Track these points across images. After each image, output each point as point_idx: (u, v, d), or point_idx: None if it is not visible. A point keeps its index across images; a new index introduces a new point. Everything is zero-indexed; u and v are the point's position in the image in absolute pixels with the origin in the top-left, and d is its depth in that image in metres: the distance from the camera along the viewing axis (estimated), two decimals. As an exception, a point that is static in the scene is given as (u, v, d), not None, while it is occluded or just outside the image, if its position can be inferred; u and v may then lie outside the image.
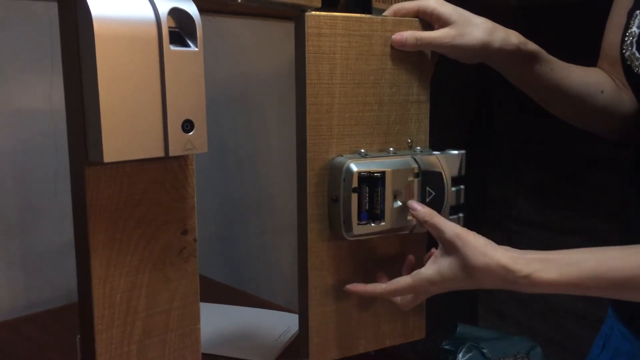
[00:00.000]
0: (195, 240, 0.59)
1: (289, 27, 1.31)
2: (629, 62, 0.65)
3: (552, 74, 0.72)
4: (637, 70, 0.64)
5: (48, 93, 1.00)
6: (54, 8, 0.98)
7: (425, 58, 0.73)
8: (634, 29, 0.65)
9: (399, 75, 0.71)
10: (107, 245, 0.53)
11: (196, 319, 0.60)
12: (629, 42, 0.65)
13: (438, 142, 0.76)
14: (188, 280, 0.59)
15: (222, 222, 1.28)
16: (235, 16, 1.22)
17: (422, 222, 0.65)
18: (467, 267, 0.59)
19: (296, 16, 0.65)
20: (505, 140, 1.59)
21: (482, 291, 1.69)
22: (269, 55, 1.31)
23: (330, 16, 0.66)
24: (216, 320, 0.93)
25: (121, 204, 0.53)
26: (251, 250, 1.35)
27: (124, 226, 0.53)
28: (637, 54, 0.64)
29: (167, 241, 0.57)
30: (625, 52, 0.66)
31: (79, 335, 0.55)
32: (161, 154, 0.52)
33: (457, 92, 1.57)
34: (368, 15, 0.69)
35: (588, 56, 0.81)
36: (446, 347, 1.23)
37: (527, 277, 0.56)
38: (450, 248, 0.60)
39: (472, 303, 1.72)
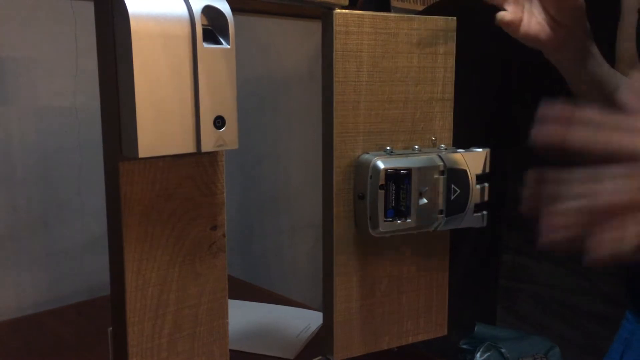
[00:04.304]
0: (224, 235, 0.59)
1: (309, 26, 1.32)
2: None
3: (598, 68, 0.71)
4: None
5: (72, 90, 1.01)
6: (78, 6, 1.00)
7: (450, 56, 0.73)
8: None
9: (425, 73, 0.71)
10: (139, 240, 0.53)
11: (224, 313, 0.61)
12: None
13: (458, 140, 0.76)
14: (217, 276, 0.59)
15: (241, 219, 1.29)
16: (257, 15, 1.23)
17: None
18: None
19: (324, 14, 0.66)
20: (526, 138, 1.59)
21: (500, 291, 1.69)
22: (288, 54, 1.32)
23: (358, 14, 0.66)
24: (237, 316, 0.93)
25: (154, 198, 0.54)
26: (270, 247, 1.36)
27: (156, 221, 0.54)
28: None
29: (197, 236, 0.57)
30: None
31: (110, 328, 0.56)
32: (193, 149, 0.53)
33: (476, 89, 1.57)
34: (394, 14, 0.69)
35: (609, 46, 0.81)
36: (464, 346, 1.23)
37: None
38: None
39: (490, 303, 1.72)
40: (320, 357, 0.72)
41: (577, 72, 0.73)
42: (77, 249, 1.04)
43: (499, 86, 1.65)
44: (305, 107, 1.34)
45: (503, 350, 1.17)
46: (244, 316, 0.95)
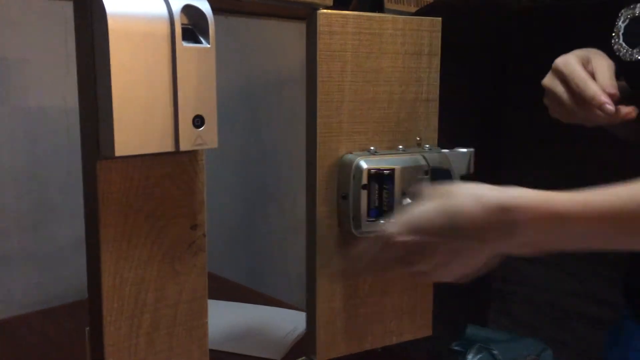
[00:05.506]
0: (204, 235, 0.59)
1: (301, 27, 1.32)
2: (617, 53, 0.68)
3: None
4: (626, 58, 0.66)
5: (62, 91, 1.01)
6: (69, 7, 1.00)
7: (435, 57, 0.73)
8: (620, 24, 0.68)
9: (409, 73, 0.71)
10: (117, 239, 0.53)
11: (204, 313, 0.60)
12: (615, 35, 0.68)
13: (449, 140, 0.76)
14: (196, 275, 0.59)
15: (231, 221, 1.29)
16: (244, 16, 1.23)
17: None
18: None
19: (308, 14, 0.66)
20: (517, 140, 1.59)
21: (492, 292, 1.68)
22: (281, 54, 1.32)
23: (342, 14, 0.66)
24: (225, 317, 0.93)
25: (132, 197, 0.54)
26: (260, 248, 1.35)
27: (134, 220, 0.54)
28: (623, 44, 0.67)
29: (177, 235, 0.57)
30: (614, 45, 0.68)
31: (87, 327, 0.56)
32: (172, 148, 0.53)
33: (467, 90, 1.57)
34: (379, 14, 0.69)
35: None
36: (456, 348, 1.23)
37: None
38: None
39: (482, 304, 1.71)
40: (303, 357, 0.72)
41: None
42: (67, 249, 1.04)
43: (490, 88, 1.66)
44: (296, 107, 1.34)
45: (495, 352, 1.16)
46: (232, 317, 0.95)
